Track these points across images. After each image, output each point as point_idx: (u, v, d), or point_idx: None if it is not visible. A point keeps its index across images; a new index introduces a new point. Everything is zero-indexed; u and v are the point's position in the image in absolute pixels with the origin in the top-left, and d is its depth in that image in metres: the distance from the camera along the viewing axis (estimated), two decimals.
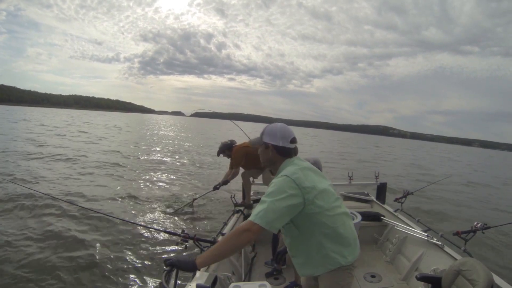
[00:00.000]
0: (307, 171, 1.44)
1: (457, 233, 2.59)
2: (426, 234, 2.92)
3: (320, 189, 1.40)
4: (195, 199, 6.14)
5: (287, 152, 1.53)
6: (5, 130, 19.74)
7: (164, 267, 1.35)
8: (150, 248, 4.33)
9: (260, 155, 1.61)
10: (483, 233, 2.53)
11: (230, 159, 4.38)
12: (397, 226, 3.31)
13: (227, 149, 4.31)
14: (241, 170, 4.33)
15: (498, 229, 3.12)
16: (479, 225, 2.52)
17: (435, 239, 2.81)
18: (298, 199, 1.33)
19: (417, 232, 3.05)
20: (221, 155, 4.39)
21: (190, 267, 1.31)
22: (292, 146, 1.55)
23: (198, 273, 1.91)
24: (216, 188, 4.51)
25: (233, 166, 4.28)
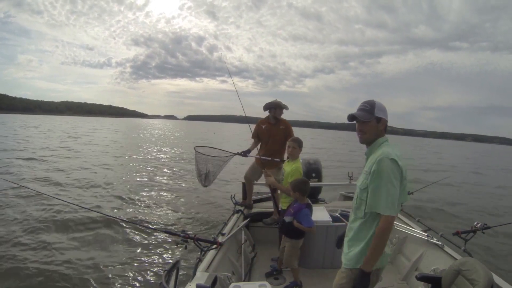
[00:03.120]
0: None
1: (457, 233, 2.60)
2: (426, 234, 2.92)
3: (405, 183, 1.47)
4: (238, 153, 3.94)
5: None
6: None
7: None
8: (150, 248, 4.34)
9: (366, 130, 1.54)
10: (483, 233, 2.54)
11: (257, 124, 3.97)
12: (397, 226, 3.31)
13: (279, 107, 3.77)
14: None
15: (498, 229, 3.15)
16: (479, 225, 2.53)
17: (435, 239, 2.81)
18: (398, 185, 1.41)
19: (417, 232, 3.05)
20: (268, 111, 3.83)
21: (366, 280, 1.41)
22: None
23: (198, 273, 1.89)
24: (244, 155, 3.85)
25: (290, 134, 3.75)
